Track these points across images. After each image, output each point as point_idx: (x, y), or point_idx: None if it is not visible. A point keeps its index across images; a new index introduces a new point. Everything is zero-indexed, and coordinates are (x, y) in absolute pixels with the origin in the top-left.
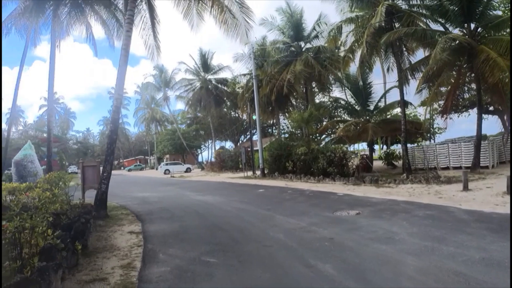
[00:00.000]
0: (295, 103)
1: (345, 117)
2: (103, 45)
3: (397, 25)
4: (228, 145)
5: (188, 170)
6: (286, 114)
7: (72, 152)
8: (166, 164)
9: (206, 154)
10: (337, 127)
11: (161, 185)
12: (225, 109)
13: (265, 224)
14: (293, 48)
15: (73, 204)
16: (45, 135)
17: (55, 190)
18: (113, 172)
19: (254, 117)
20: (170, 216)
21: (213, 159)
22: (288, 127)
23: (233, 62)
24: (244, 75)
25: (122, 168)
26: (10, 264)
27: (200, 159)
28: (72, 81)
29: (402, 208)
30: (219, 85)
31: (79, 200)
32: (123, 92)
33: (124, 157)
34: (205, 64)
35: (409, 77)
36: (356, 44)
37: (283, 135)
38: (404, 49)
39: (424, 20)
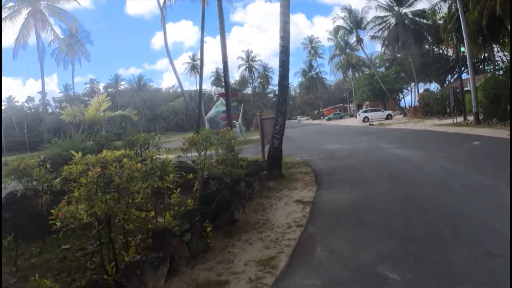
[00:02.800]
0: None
1: None
2: (294, 1)
3: None
4: (433, 87)
5: (388, 117)
6: (502, 44)
7: (270, 105)
8: (365, 111)
9: (409, 98)
10: None
11: (356, 135)
12: (426, 46)
13: (487, 204)
14: None
15: (249, 161)
16: (246, 91)
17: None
18: (313, 122)
19: (462, 49)
20: (355, 178)
21: (417, 104)
22: (505, 61)
23: None
24: (444, 0)
25: (321, 117)
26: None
27: (402, 104)
28: (271, 39)
29: None
30: (417, 19)
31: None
32: (289, 28)
33: (324, 106)
34: None
35: None
36: None
37: (498, 72)
38: None
39: None
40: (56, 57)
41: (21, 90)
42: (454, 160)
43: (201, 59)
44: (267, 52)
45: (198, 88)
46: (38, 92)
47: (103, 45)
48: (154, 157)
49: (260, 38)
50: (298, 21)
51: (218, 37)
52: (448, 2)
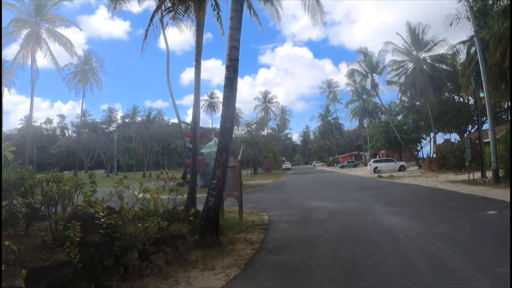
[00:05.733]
0: None
1: None
2: (321, 46)
3: None
4: (454, 137)
5: (401, 168)
6: None
7: (281, 149)
8: (376, 161)
9: (428, 148)
10: None
11: (354, 190)
12: (446, 94)
13: None
14: None
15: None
16: (263, 133)
17: None
18: (325, 168)
19: (481, 94)
20: (301, 264)
21: (433, 155)
22: None
23: (444, 29)
24: (463, 42)
25: (335, 164)
26: None
27: (421, 155)
28: (296, 83)
29: None
30: (436, 64)
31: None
32: (237, 55)
33: (340, 153)
34: (416, 41)
35: None
36: None
37: None
38: None
39: None
40: (68, 83)
41: (48, 112)
42: (456, 243)
43: (195, 96)
44: (290, 96)
45: (204, 125)
46: (57, 115)
47: (134, 76)
48: None
49: (285, 82)
50: (324, 65)
51: (246, 77)
52: (467, 44)
